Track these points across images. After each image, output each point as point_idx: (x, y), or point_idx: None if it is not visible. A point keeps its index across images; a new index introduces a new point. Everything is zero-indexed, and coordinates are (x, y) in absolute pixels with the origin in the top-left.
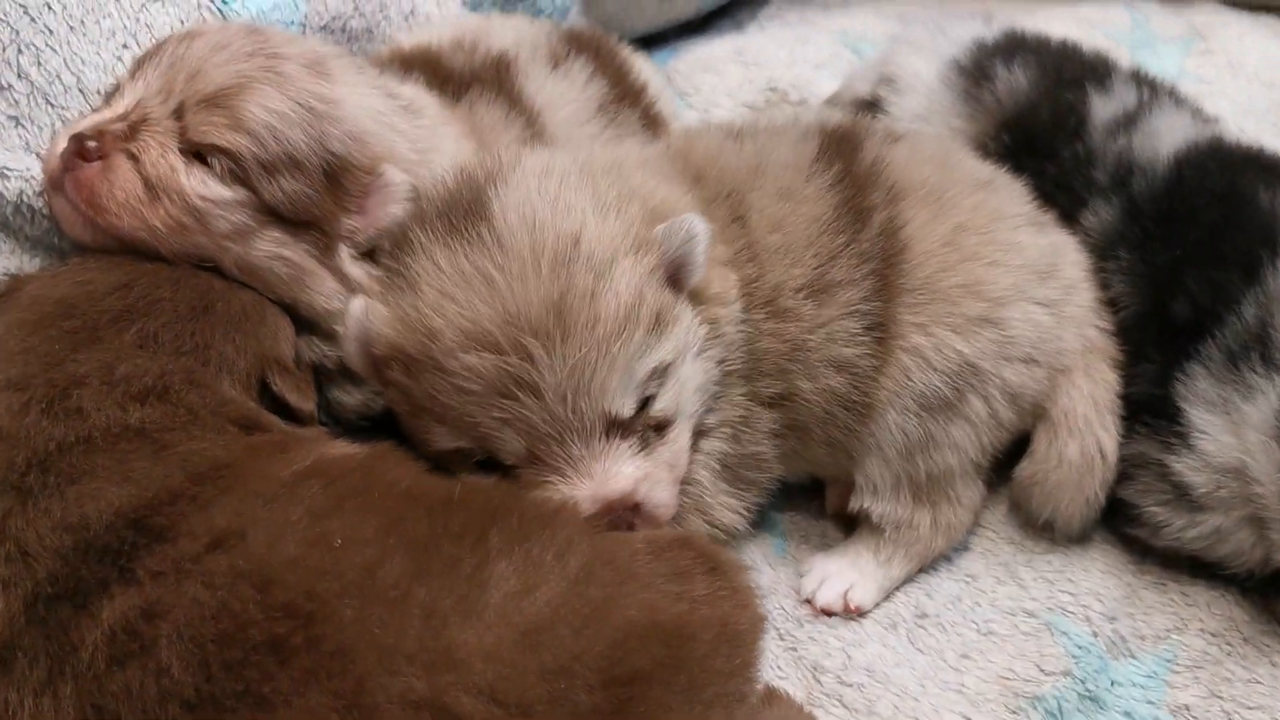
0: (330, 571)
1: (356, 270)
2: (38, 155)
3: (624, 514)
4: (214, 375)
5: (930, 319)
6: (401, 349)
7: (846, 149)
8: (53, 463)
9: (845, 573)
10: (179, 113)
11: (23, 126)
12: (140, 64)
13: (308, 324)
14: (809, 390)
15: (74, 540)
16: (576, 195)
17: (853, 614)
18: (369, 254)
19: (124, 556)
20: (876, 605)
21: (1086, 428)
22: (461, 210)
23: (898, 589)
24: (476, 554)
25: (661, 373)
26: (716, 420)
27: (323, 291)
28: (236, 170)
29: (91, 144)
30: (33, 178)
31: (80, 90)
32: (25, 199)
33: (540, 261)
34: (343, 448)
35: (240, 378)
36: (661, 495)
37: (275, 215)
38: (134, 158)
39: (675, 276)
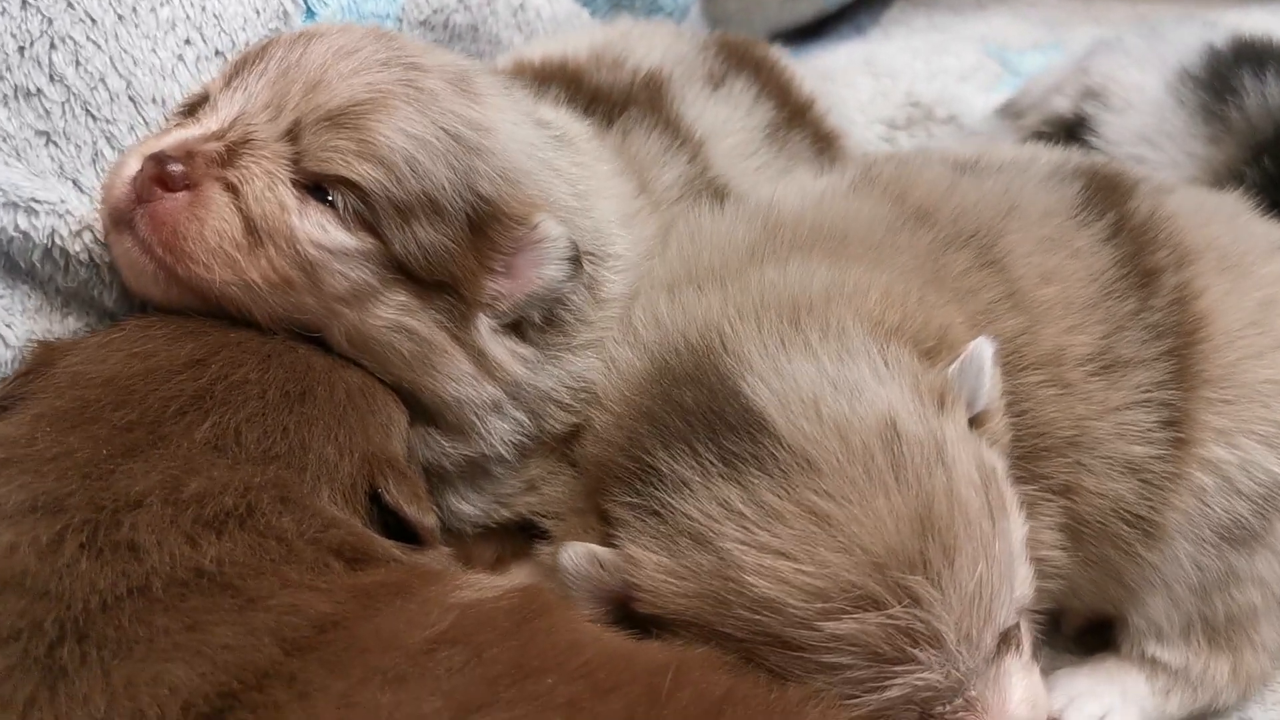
0: None
1: (499, 349)
2: (75, 183)
3: None
4: (311, 487)
5: (1236, 425)
6: (704, 620)
7: (1116, 195)
8: (95, 627)
9: (1101, 694)
10: (293, 134)
11: (55, 144)
12: (238, 68)
13: (427, 413)
14: (1092, 489)
15: None
16: (848, 367)
17: None
18: (514, 326)
19: None
20: None
21: None
22: (725, 426)
23: None
24: None
25: (1021, 556)
26: None
27: (452, 374)
28: (363, 211)
29: (177, 169)
30: (68, 213)
31: (131, 99)
32: (58, 241)
33: (876, 472)
34: (482, 586)
35: (344, 488)
36: (1046, 711)
37: (404, 272)
38: (233, 189)
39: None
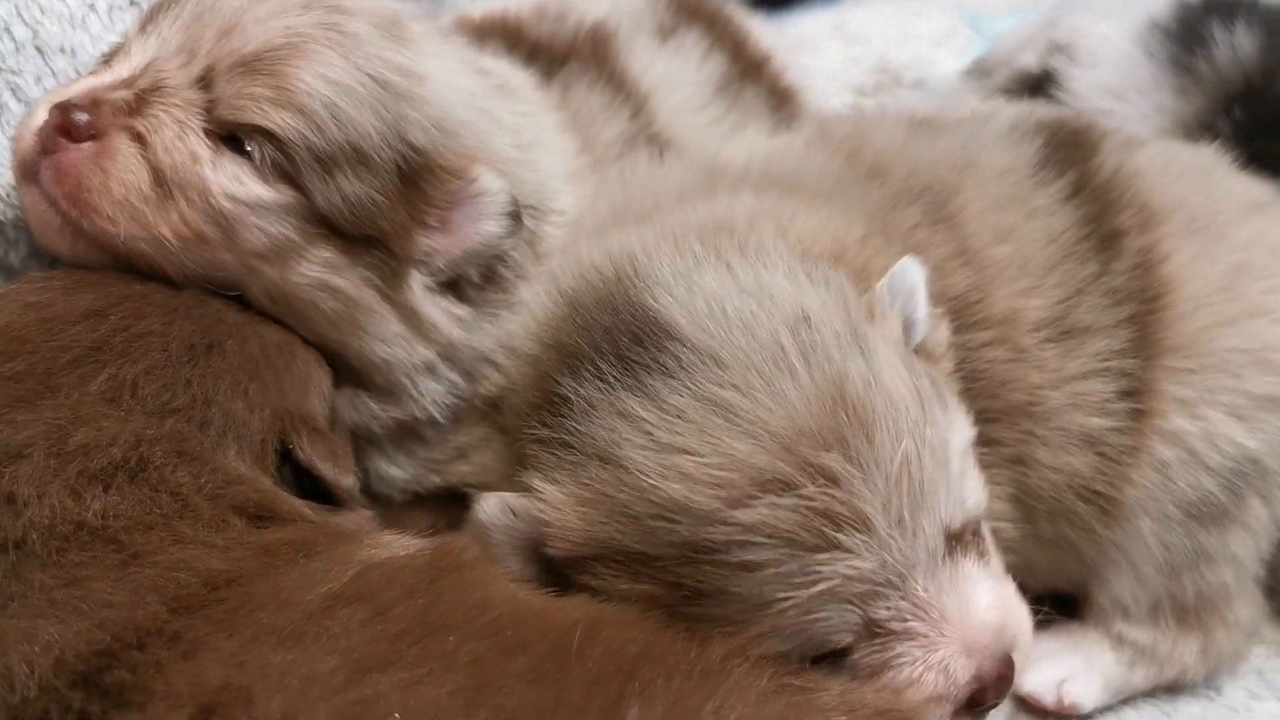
0: None
1: (432, 309)
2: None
3: (994, 674)
4: (215, 443)
5: (1200, 395)
6: (615, 545)
7: (1079, 153)
8: None
9: (1065, 657)
10: (206, 80)
11: None
12: (153, 13)
13: (355, 374)
14: (1046, 462)
15: None
16: (761, 272)
17: (1065, 713)
18: (450, 285)
19: None
20: (1096, 710)
21: None
22: (628, 337)
23: (1126, 704)
24: None
25: (965, 455)
26: None
27: (381, 335)
28: (282, 162)
29: (82, 118)
30: None
31: (37, 48)
32: None
33: (784, 357)
34: (394, 545)
35: (253, 445)
36: (1028, 627)
37: (329, 227)
38: (140, 139)
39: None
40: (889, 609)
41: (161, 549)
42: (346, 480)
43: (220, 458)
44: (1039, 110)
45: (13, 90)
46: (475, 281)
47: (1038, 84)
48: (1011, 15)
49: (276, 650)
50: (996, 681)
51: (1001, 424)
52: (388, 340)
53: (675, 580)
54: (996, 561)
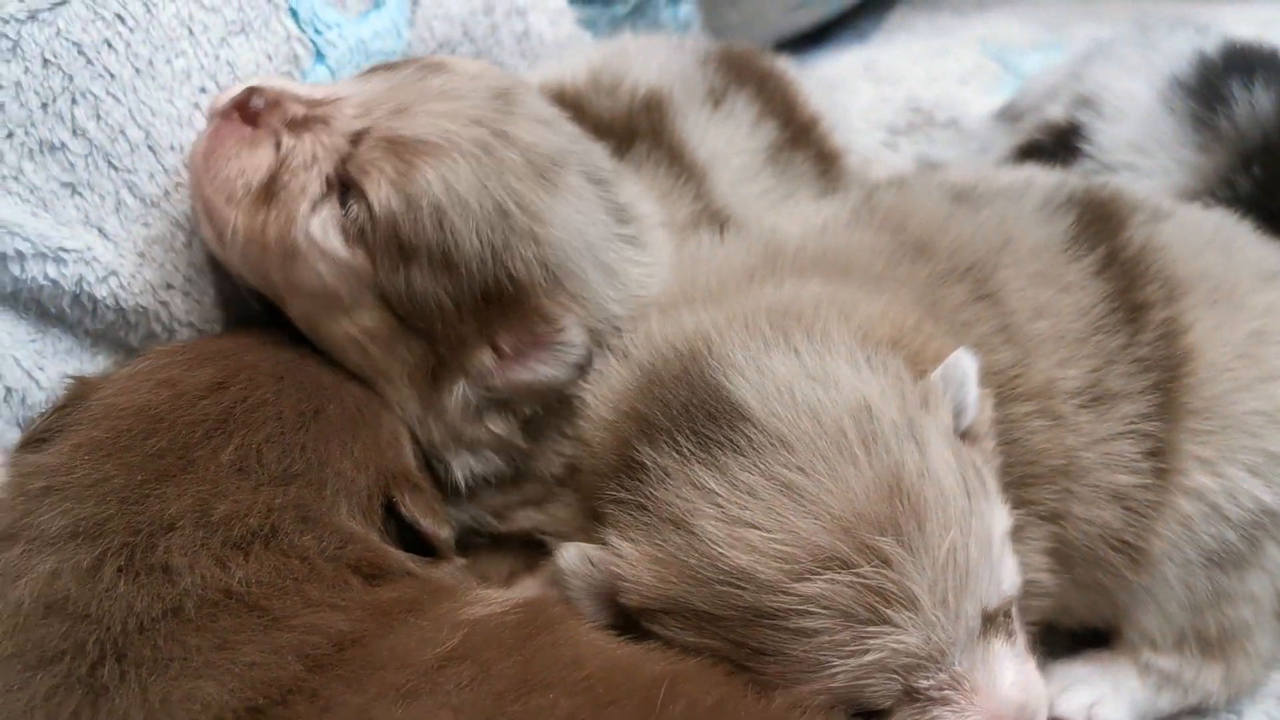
0: None
1: (467, 418)
2: (100, 231)
3: None
4: (330, 504)
5: (1220, 454)
6: (684, 603)
7: (1109, 227)
8: (133, 647)
9: (1095, 682)
10: (358, 139)
11: (80, 194)
12: (380, 67)
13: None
14: (1080, 515)
15: None
16: (827, 359)
17: None
18: (502, 405)
19: None
20: None
21: None
22: (704, 415)
23: None
24: None
25: (1004, 542)
26: None
27: (401, 405)
28: (367, 231)
29: (259, 104)
30: (94, 260)
31: (150, 148)
32: (85, 287)
33: (846, 446)
34: (489, 601)
35: (361, 503)
36: (1044, 705)
37: (385, 302)
38: (279, 149)
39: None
40: (929, 680)
41: (296, 613)
42: (444, 532)
43: (335, 518)
44: (1070, 182)
45: (129, 188)
46: (526, 408)
47: (1064, 135)
48: (1036, 51)
49: (397, 705)
50: None
51: (1040, 486)
52: (406, 412)
53: (738, 640)
54: (1022, 641)
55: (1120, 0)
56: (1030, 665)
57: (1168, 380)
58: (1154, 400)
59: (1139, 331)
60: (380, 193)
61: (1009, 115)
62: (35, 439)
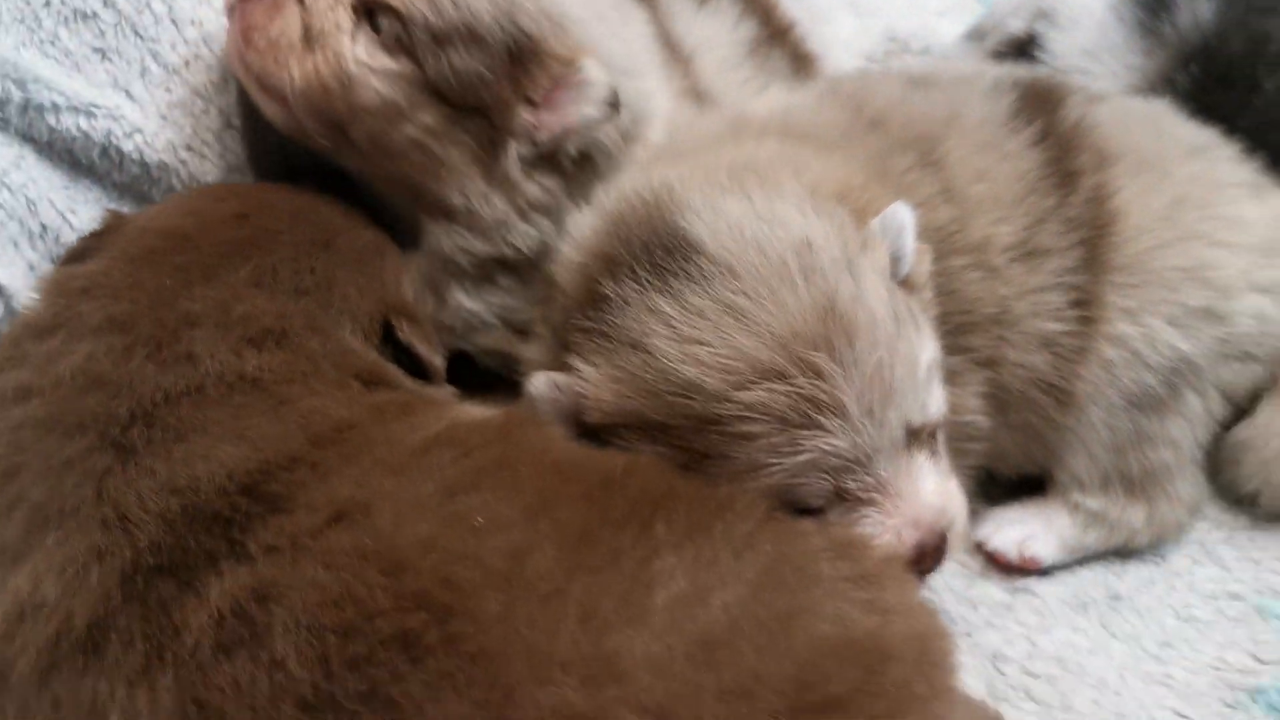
0: (470, 557)
1: (525, 177)
2: (127, 93)
3: (933, 545)
4: (335, 320)
5: (1141, 305)
6: (640, 415)
7: (1046, 105)
8: (159, 415)
9: (1028, 521)
10: None
11: (109, 60)
12: None
13: (436, 210)
14: (1013, 360)
15: (181, 505)
16: (776, 204)
17: (1027, 566)
18: (549, 160)
19: (235, 527)
20: (1054, 565)
21: None
22: (661, 249)
23: (1082, 565)
24: (641, 547)
25: (930, 370)
26: None
27: (465, 191)
28: (404, 37)
29: None
30: (121, 117)
31: (172, 20)
32: (113, 140)
33: (788, 274)
34: (475, 412)
35: (363, 324)
36: (964, 516)
37: (438, 95)
38: (303, 3)
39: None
40: (856, 482)
41: (302, 397)
42: (437, 360)
43: (339, 332)
44: (1018, 71)
45: (154, 55)
46: (572, 159)
47: (1023, 46)
48: None
49: (387, 477)
50: (933, 551)
51: (975, 333)
52: (468, 195)
53: (687, 445)
54: (945, 462)
55: None
56: (952, 482)
57: (1094, 238)
58: (1080, 255)
59: (1070, 195)
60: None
61: (976, 35)
62: (76, 256)
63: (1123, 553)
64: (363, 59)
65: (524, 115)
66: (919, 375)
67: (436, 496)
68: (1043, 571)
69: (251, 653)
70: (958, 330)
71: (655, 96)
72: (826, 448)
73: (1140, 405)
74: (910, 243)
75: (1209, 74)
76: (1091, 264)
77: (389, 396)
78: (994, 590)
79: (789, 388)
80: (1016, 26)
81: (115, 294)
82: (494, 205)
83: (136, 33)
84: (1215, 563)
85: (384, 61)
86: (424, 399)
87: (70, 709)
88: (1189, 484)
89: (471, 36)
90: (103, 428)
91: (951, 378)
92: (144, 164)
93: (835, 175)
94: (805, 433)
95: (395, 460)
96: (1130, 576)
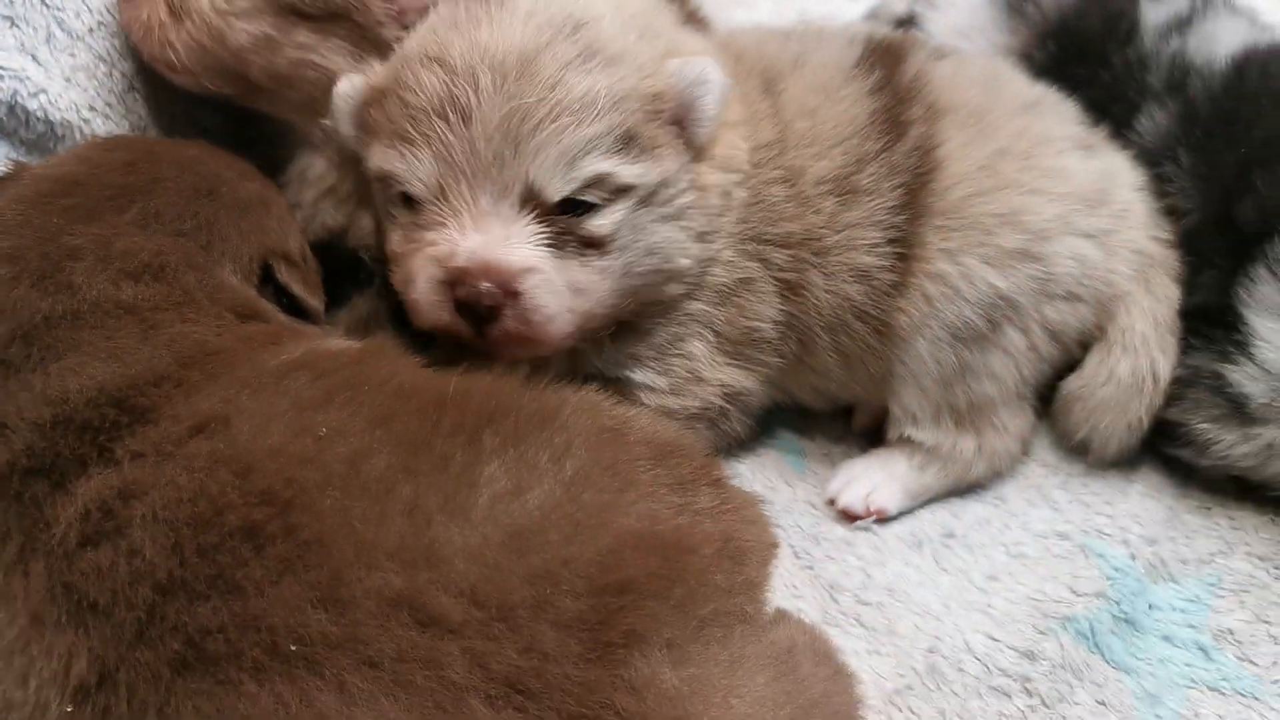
0: (312, 461)
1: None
2: (33, 57)
3: (493, 294)
4: (214, 260)
5: (960, 246)
6: (377, 86)
7: (890, 59)
8: (38, 336)
9: (872, 474)
10: None
11: (17, 27)
12: None
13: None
14: (821, 287)
15: (54, 414)
16: (603, 2)
17: (874, 517)
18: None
19: (104, 435)
20: (901, 512)
21: (1143, 346)
22: None
23: (923, 507)
24: (468, 453)
25: (614, 191)
26: (709, 283)
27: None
28: None
29: None
30: (27, 78)
31: None
32: (19, 100)
33: (532, 21)
34: (337, 343)
35: (242, 265)
36: (547, 301)
37: (297, 14)
38: None
39: (681, 122)
40: (455, 190)
41: (173, 325)
42: (314, 302)
43: (219, 271)
44: (878, 30)
45: (58, 22)
46: None
47: (904, 24)
48: None
49: (247, 395)
50: (470, 296)
51: (777, 248)
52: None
53: (381, 111)
54: (580, 277)
55: None
56: (559, 280)
57: (915, 183)
58: (899, 197)
59: (896, 142)
60: None
61: (871, 15)
62: None
63: (963, 493)
64: (221, 7)
65: (379, 7)
66: (574, 166)
67: (290, 412)
68: (891, 518)
69: (114, 543)
70: (759, 238)
71: None
72: (443, 136)
73: (962, 339)
74: (710, 103)
75: (1064, 49)
76: (912, 206)
77: (259, 328)
78: (838, 529)
79: (447, 78)
80: (900, 8)
81: (6, 230)
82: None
83: (43, 2)
84: (1049, 505)
85: (238, 3)
86: (294, 331)
87: None
88: (1015, 415)
89: None
90: None
91: (747, 283)
92: (49, 122)
93: (700, 48)
94: (437, 120)
95: (256, 381)
96: (968, 516)
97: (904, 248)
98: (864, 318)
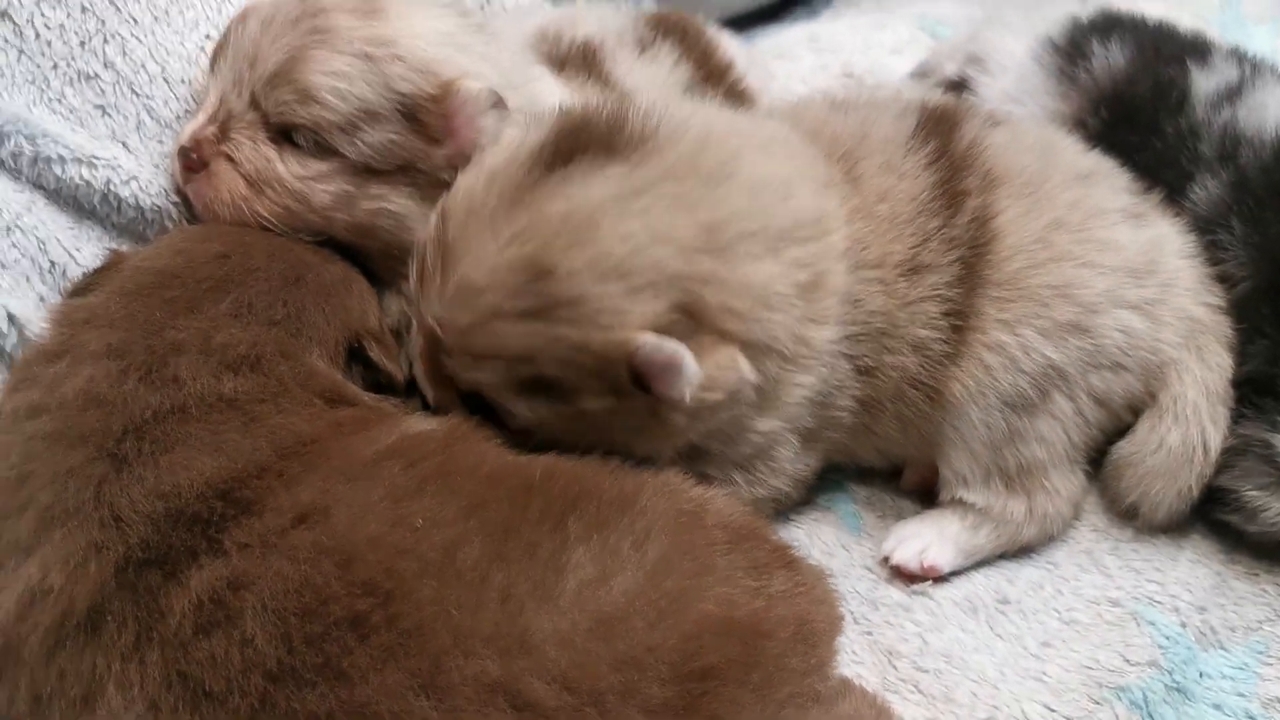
0: (410, 551)
1: None
2: (124, 145)
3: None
4: (304, 346)
5: (1018, 317)
6: None
7: (944, 127)
8: (148, 430)
9: (925, 533)
10: (254, 101)
11: (109, 115)
12: (215, 57)
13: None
14: (888, 364)
15: (165, 508)
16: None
17: (927, 575)
18: None
19: (212, 527)
20: (953, 571)
21: (1194, 416)
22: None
23: (978, 570)
24: (555, 540)
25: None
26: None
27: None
28: (321, 140)
29: (193, 156)
30: (119, 167)
31: (165, 79)
32: (111, 188)
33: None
34: (421, 423)
35: (329, 348)
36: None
37: (370, 171)
38: (231, 159)
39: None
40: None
41: (271, 416)
42: (400, 376)
43: (307, 357)
44: (930, 96)
45: (148, 111)
46: None
47: (955, 87)
48: (969, 25)
49: (344, 485)
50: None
51: (864, 343)
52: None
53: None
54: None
55: None
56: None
57: (972, 256)
58: (959, 271)
59: (955, 215)
60: (301, 114)
61: (919, 74)
62: (80, 290)
63: (1016, 557)
64: (301, 173)
65: (439, 153)
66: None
67: (385, 501)
68: (942, 577)
69: (226, 632)
70: (851, 340)
71: (546, 92)
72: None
73: (1013, 405)
74: (689, 373)
75: (1116, 116)
76: (969, 279)
77: (348, 413)
78: (894, 593)
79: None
80: (951, 70)
81: (112, 324)
82: None
83: (134, 91)
84: (1100, 570)
85: (316, 167)
86: (380, 414)
87: (73, 680)
88: (1065, 479)
89: (369, 116)
90: (100, 441)
91: (839, 386)
92: (139, 208)
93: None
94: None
95: (351, 470)
96: (1021, 580)
97: (960, 320)
98: (917, 385)
